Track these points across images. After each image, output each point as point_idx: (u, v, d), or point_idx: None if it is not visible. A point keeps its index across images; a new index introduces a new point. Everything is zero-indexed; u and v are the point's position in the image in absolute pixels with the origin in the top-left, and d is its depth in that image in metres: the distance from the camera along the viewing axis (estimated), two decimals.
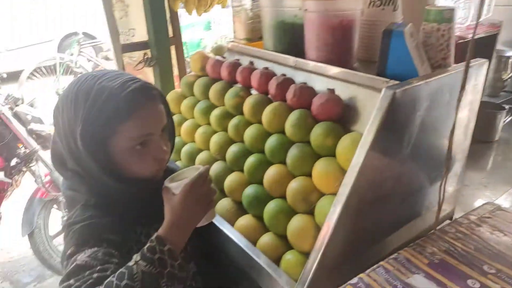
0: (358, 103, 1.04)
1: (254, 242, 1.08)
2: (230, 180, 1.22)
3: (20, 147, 2.45)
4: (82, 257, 0.78)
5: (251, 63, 1.28)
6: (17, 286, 2.53)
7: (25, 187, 2.59)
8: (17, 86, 4.93)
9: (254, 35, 1.42)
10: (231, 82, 1.34)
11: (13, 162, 2.48)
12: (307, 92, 1.08)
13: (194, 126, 1.41)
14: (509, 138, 2.02)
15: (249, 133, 1.19)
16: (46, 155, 2.45)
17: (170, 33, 1.74)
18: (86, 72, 0.91)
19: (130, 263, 0.75)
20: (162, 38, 1.60)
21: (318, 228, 0.98)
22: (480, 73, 1.09)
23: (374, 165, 0.90)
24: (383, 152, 0.91)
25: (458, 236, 0.90)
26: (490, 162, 1.82)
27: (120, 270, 0.74)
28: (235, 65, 1.30)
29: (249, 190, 1.15)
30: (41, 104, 2.70)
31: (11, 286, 2.53)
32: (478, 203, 1.46)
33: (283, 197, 1.09)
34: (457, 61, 1.08)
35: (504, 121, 1.96)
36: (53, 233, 2.53)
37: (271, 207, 1.08)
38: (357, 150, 0.87)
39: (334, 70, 1.09)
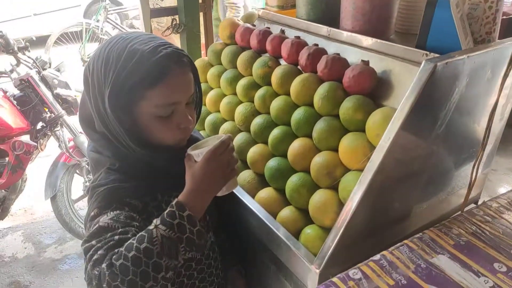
0: (393, 77, 0.99)
1: (274, 215, 1.07)
2: (253, 151, 1.20)
3: (46, 111, 2.48)
4: (104, 219, 0.78)
5: (282, 31, 1.24)
6: (39, 247, 2.63)
7: (50, 151, 2.65)
8: (44, 51, 5.00)
9: (287, 3, 1.37)
10: (260, 51, 1.30)
11: (39, 125, 2.53)
12: (339, 63, 1.04)
13: (219, 95, 1.39)
14: None
15: (276, 104, 1.16)
16: (71, 120, 2.48)
17: None
18: (119, 33, 0.90)
19: (150, 227, 0.75)
20: (192, 3, 1.56)
21: (340, 204, 0.96)
22: None
23: (405, 143, 0.86)
24: (415, 130, 0.87)
25: (486, 219, 0.86)
26: None
27: (141, 233, 0.74)
28: (265, 33, 1.26)
29: (272, 163, 1.13)
30: (67, 69, 2.72)
31: (33, 247, 2.63)
32: (504, 188, 1.41)
33: (306, 171, 1.06)
34: (499, 37, 1.01)
35: None
36: (75, 198, 2.59)
37: (293, 180, 1.06)
38: (388, 126, 0.83)
39: (369, 41, 1.04)
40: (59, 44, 5.20)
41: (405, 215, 1.02)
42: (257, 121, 1.21)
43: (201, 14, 1.72)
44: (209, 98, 1.41)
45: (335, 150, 1.01)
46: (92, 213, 0.82)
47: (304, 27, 1.25)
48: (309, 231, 0.99)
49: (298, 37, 1.17)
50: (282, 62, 1.25)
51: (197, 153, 0.85)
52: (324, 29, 1.17)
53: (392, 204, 0.96)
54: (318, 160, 1.00)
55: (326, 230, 0.97)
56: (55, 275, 2.39)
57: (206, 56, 1.49)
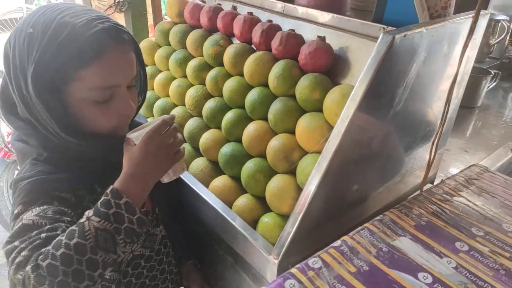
0: (350, 54, 0.95)
1: (230, 204, 1.00)
2: (206, 137, 1.12)
3: None
4: (29, 216, 0.68)
5: (234, 8, 1.16)
6: None
7: None
8: None
9: None
10: (211, 30, 1.21)
11: None
12: (294, 40, 0.97)
13: (168, 78, 1.29)
14: (491, 104, 1.98)
15: (228, 86, 1.08)
16: None
17: None
18: (48, 4, 0.78)
19: (82, 220, 0.66)
20: None
21: (299, 189, 0.91)
22: (480, 26, 1.00)
23: (363, 121, 0.81)
24: (374, 107, 0.82)
25: (445, 197, 0.84)
26: (471, 128, 1.79)
27: (71, 228, 0.65)
28: (216, 9, 1.17)
29: (226, 149, 1.05)
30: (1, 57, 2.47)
31: None
32: (457, 168, 1.43)
33: (262, 156, 1.00)
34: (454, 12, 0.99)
35: (488, 87, 1.92)
36: None
37: (249, 166, 0.99)
38: (346, 103, 0.78)
39: (325, 16, 0.98)
40: None
41: (364, 198, 0.99)
42: (209, 104, 1.13)
43: None
44: (157, 82, 1.30)
45: (292, 132, 0.95)
46: (16, 211, 0.71)
47: (258, 3, 1.17)
48: (266, 220, 0.93)
49: (251, 13, 1.09)
50: (235, 41, 1.17)
51: (137, 136, 0.76)
52: (278, 4, 1.10)
53: (351, 187, 0.92)
54: (275, 143, 0.94)
55: (285, 217, 0.92)
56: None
57: (154, 36, 1.38)
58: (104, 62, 0.72)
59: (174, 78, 1.28)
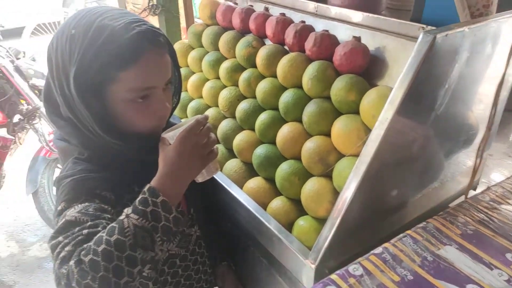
0: (387, 54, 0.92)
1: (264, 206, 1.00)
2: (240, 139, 1.12)
3: (23, 103, 2.36)
4: (71, 213, 0.71)
5: (266, 9, 1.15)
6: (23, 245, 2.53)
7: (30, 145, 2.53)
8: (20, 42, 4.79)
9: None
10: (244, 31, 1.21)
11: (16, 118, 2.41)
12: (329, 40, 0.96)
13: (201, 80, 1.30)
14: None
15: (262, 87, 1.08)
16: None
17: None
18: (87, 7, 0.80)
19: (121, 217, 0.68)
20: None
21: (335, 192, 0.90)
22: None
23: (403, 124, 0.79)
24: (413, 109, 0.80)
25: (493, 205, 0.81)
26: None
27: (111, 224, 0.67)
28: (248, 11, 1.17)
29: (260, 150, 1.06)
30: (43, 58, 2.58)
31: (17, 245, 2.53)
32: (500, 174, 1.37)
33: (297, 158, 0.99)
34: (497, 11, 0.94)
35: None
36: None
37: (283, 168, 0.99)
38: (385, 105, 0.76)
39: (360, 16, 0.96)
40: (36, 35, 4.97)
41: (403, 203, 0.97)
42: (243, 106, 1.13)
43: None
44: (190, 83, 1.32)
45: (327, 134, 0.94)
46: (59, 208, 0.74)
47: (290, 4, 1.16)
48: (302, 223, 0.93)
49: (283, 14, 1.08)
50: (267, 42, 1.16)
51: (171, 135, 0.77)
52: (311, 5, 1.08)
53: (390, 191, 0.90)
54: (310, 145, 0.93)
55: (321, 221, 0.91)
56: (40, 273, 2.31)
57: (187, 39, 1.39)
58: (141, 64, 0.73)
59: (207, 80, 1.29)
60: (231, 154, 1.18)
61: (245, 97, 1.17)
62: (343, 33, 1.00)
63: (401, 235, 0.71)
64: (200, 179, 0.81)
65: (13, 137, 2.34)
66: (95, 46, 0.71)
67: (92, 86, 0.74)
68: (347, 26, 1.00)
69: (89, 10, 0.76)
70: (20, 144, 2.49)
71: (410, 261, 0.64)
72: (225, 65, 1.21)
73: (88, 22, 0.73)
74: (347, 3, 1.00)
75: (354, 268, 0.63)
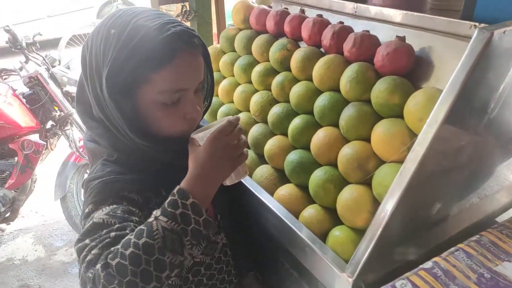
0: (433, 55, 0.86)
1: (296, 215, 0.95)
2: (271, 144, 1.08)
3: (56, 109, 2.42)
4: (99, 215, 0.69)
5: (302, 11, 1.12)
6: (49, 249, 2.56)
7: (60, 151, 2.58)
8: (57, 52, 4.98)
9: None
10: (278, 35, 1.18)
11: (49, 124, 2.47)
12: (369, 41, 0.91)
13: (232, 85, 1.27)
14: None
15: (296, 91, 1.04)
16: None
17: None
18: (124, 8, 0.80)
19: (150, 219, 0.65)
20: None
21: (375, 201, 0.83)
22: None
23: (453, 128, 0.73)
24: (465, 112, 0.73)
25: None
26: None
27: (139, 227, 0.65)
28: (283, 14, 1.14)
29: (293, 156, 1.01)
30: (77, 66, 2.65)
31: (44, 250, 2.56)
32: None
33: (332, 164, 0.94)
34: None
35: None
36: None
37: (318, 175, 0.93)
38: (435, 107, 0.70)
39: (403, 15, 0.91)
40: (72, 45, 5.17)
41: (448, 215, 0.89)
42: (275, 110, 1.09)
43: (212, 0, 1.61)
44: (221, 88, 1.29)
45: (366, 139, 0.88)
46: (87, 210, 0.73)
47: (327, 6, 1.12)
48: (337, 233, 0.87)
49: (320, 16, 1.05)
50: (302, 45, 1.13)
51: (201, 136, 0.75)
52: (349, 5, 1.04)
53: (435, 201, 0.83)
54: (347, 151, 0.88)
55: (358, 231, 0.85)
56: (65, 278, 2.32)
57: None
58: (175, 65, 0.72)
59: (239, 84, 1.26)
60: (261, 159, 1.14)
61: (277, 101, 1.13)
62: (384, 34, 0.95)
63: (453, 249, 0.64)
64: (228, 182, 0.79)
65: (45, 143, 2.39)
66: (130, 46, 0.70)
67: (124, 87, 0.73)
68: (389, 26, 0.95)
69: (125, 11, 0.76)
70: (52, 149, 2.54)
71: (465, 277, 0.57)
72: (257, 69, 1.18)
73: (124, 22, 0.72)
74: (389, 2, 0.95)
75: (402, 283, 0.57)
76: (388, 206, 0.74)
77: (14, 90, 2.37)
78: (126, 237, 0.63)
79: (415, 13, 0.89)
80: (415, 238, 0.83)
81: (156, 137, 0.78)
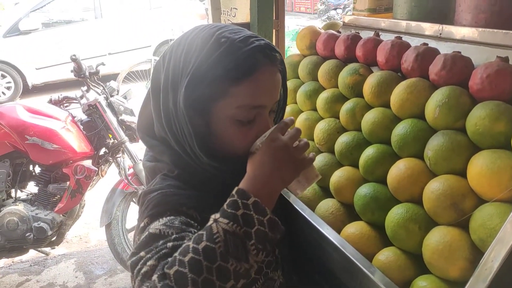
0: None
1: (367, 257, 0.81)
2: (338, 175, 0.97)
3: (110, 137, 2.47)
4: (156, 225, 0.64)
5: (377, 34, 1.04)
6: (89, 277, 2.52)
7: (109, 179, 2.61)
8: (115, 83, 5.24)
9: (380, 5, 1.18)
10: (347, 60, 1.11)
11: (102, 151, 2.52)
12: (462, 63, 0.80)
13: (295, 112, 1.20)
14: None
15: (369, 118, 0.94)
16: (133, 147, 2.44)
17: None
18: (205, 23, 0.81)
19: (209, 222, 0.60)
20: (266, 19, 1.44)
21: (473, 247, 0.69)
22: None
23: None
24: None
25: None
26: None
27: (197, 233, 0.59)
28: (355, 37, 1.07)
29: (366, 190, 0.89)
30: (133, 97, 2.74)
31: (84, 277, 2.53)
32: None
33: (414, 201, 0.81)
34: None
35: None
36: (129, 227, 2.49)
37: (398, 212, 0.81)
38: None
39: (504, 34, 0.80)
40: (129, 80, 5.45)
41: None
42: (344, 139, 0.99)
43: (274, 31, 1.59)
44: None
45: (460, 173, 0.75)
46: (142, 224, 0.67)
47: (404, 29, 1.04)
48: (424, 284, 0.72)
49: (399, 37, 0.96)
50: (374, 69, 1.04)
51: (257, 143, 0.72)
52: (433, 27, 0.95)
53: None
54: (437, 186, 0.75)
55: (451, 283, 0.70)
56: None
57: None
58: (255, 80, 0.70)
59: (301, 112, 1.18)
60: (326, 193, 1.03)
61: (345, 130, 1.03)
62: (476, 57, 0.84)
63: None
64: (299, 190, 0.75)
65: (96, 169, 2.42)
66: (213, 57, 0.69)
67: (201, 100, 0.71)
68: (483, 48, 0.84)
69: (208, 25, 0.77)
70: (102, 176, 2.57)
71: None
72: (324, 95, 1.10)
73: (208, 34, 0.72)
74: (484, 22, 0.84)
75: None
76: (496, 254, 0.60)
77: (74, 117, 2.46)
78: (185, 244, 0.57)
79: None
80: None
81: (223, 156, 0.74)
